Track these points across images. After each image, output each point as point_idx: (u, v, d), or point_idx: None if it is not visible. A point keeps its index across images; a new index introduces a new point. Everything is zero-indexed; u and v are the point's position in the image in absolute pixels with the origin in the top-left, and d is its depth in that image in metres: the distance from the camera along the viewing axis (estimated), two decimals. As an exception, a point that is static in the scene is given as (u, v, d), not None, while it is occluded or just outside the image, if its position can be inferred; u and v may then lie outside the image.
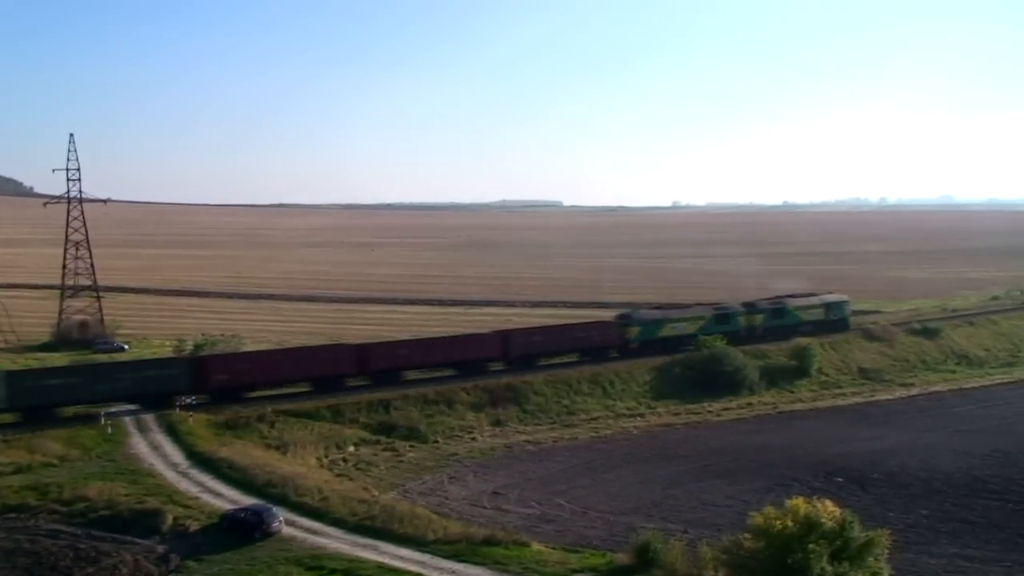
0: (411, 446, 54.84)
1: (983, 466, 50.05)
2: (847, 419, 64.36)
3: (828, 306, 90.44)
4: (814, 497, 28.96)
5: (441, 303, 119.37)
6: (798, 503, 27.80)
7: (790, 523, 26.79)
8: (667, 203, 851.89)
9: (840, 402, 70.10)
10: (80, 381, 56.38)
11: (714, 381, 69.36)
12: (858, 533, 27.62)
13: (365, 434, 55.72)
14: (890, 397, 71.89)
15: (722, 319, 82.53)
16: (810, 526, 26.83)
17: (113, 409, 55.45)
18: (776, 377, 73.18)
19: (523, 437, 58.18)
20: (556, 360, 72.52)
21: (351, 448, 53.70)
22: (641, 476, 49.02)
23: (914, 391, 73.80)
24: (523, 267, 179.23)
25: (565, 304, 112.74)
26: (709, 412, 65.62)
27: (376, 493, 43.47)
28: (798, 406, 68.61)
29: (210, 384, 59.51)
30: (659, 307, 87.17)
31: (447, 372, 67.15)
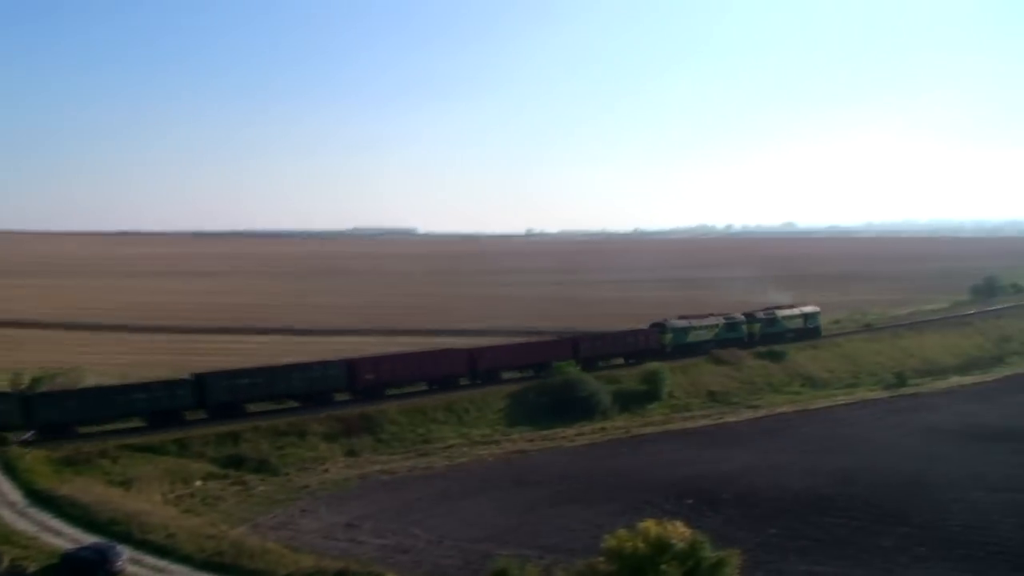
0: (262, 479, 53.59)
1: (828, 484, 51.79)
2: (697, 441, 65.73)
3: (806, 316, 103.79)
4: (665, 519, 29.36)
5: (292, 332, 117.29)
6: (649, 525, 28.16)
7: (641, 545, 27.10)
8: (521, 231, 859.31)
9: (690, 425, 71.50)
10: (263, 381, 65.26)
11: (568, 406, 70.00)
12: (709, 553, 28.13)
13: (213, 468, 54.25)
14: (738, 419, 73.74)
15: (731, 327, 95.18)
16: (662, 547, 27.21)
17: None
18: (628, 401, 74.30)
19: (377, 467, 57.57)
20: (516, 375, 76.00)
21: (198, 482, 52.17)
22: (496, 503, 49.04)
23: (761, 413, 75.89)
24: (377, 295, 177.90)
25: (421, 332, 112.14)
26: (563, 437, 66.11)
27: (225, 528, 42.20)
28: (649, 429, 69.71)
29: (361, 382, 69.45)
30: (683, 317, 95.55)
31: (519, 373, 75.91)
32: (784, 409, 77.32)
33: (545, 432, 66.75)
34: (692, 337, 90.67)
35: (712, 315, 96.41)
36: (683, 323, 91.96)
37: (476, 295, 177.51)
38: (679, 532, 28.14)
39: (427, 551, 40.55)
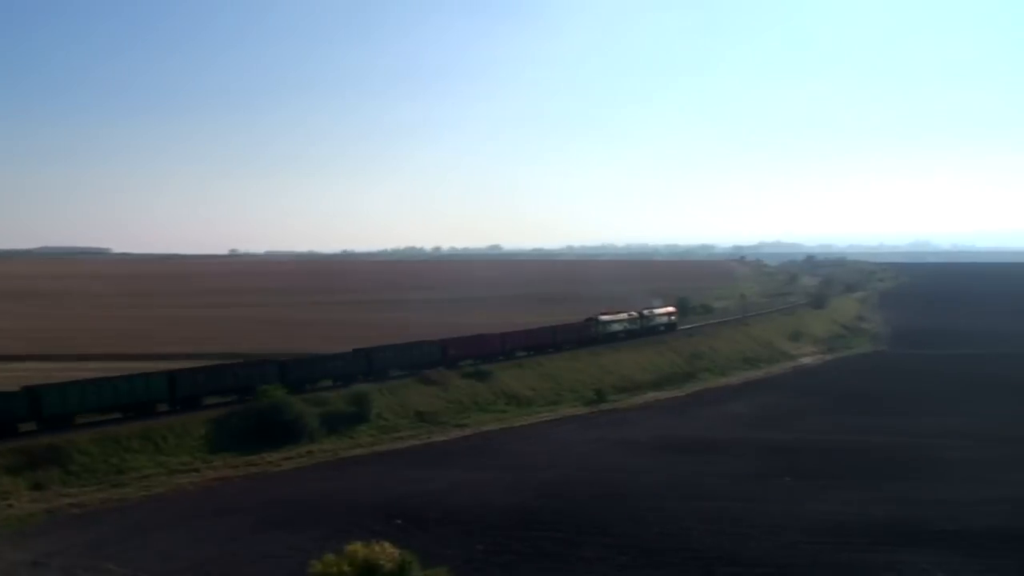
0: (-70, 520, 49.02)
1: (533, 499, 53.40)
2: (406, 462, 66.05)
3: (669, 314, 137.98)
4: (373, 540, 29.21)
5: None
6: (356, 547, 28.00)
7: (347, 568, 26.86)
8: (224, 251, 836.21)
9: (399, 445, 71.75)
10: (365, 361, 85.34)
11: (273, 431, 68.35)
12: (418, 571, 28.27)
13: None
14: (446, 438, 74.71)
15: (631, 321, 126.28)
16: (370, 569, 27.10)
17: None
18: (336, 423, 73.52)
19: (67, 500, 53.95)
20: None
21: None
22: (197, 534, 47.14)
23: (468, 431, 77.25)
24: (67, 318, 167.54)
25: (115, 356, 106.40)
26: (268, 463, 64.55)
27: None
28: (358, 451, 69.40)
29: (449, 357, 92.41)
30: (604, 314, 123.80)
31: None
32: (490, 427, 79.11)
33: (250, 458, 64.90)
34: (613, 328, 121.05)
35: (622, 312, 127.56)
36: (608, 318, 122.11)
37: (176, 317, 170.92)
38: (387, 553, 28.10)
39: (120, 587, 38.38)
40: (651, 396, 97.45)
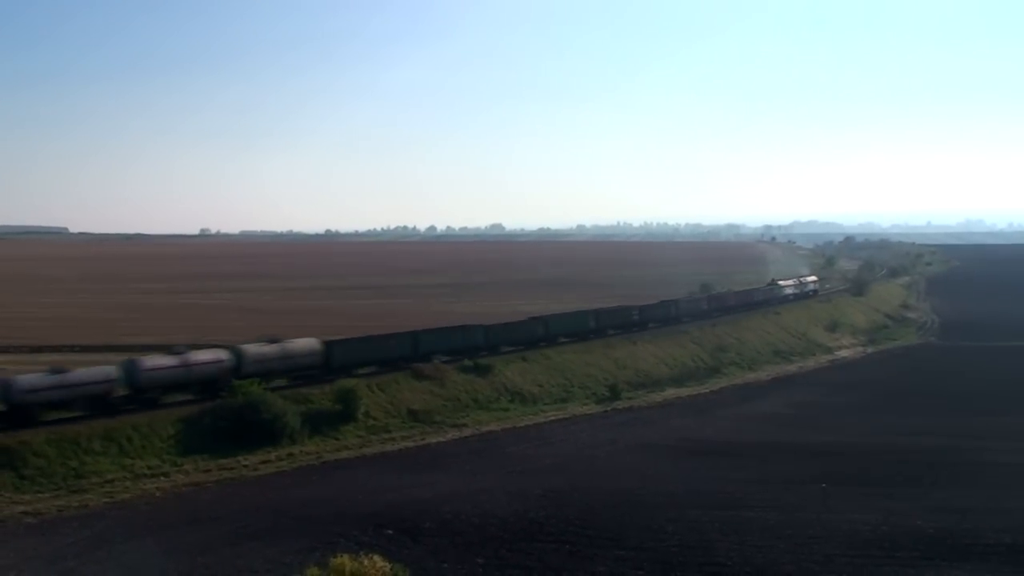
0: None
1: (538, 508, 53.41)
2: (397, 466, 66.22)
3: (814, 282, 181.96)
4: (362, 553, 29.31)
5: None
6: (343, 561, 28.12)
7: (335, 583, 26.91)
8: (195, 231, 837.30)
9: (389, 447, 71.92)
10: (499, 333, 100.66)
11: (250, 431, 68.33)
12: (410, 587, 28.30)
13: None
14: (442, 439, 74.90)
15: (796, 286, 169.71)
16: (358, 584, 27.09)
17: None
18: (320, 423, 73.63)
19: (20, 508, 54.04)
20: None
21: None
22: (166, 545, 47.29)
23: (466, 432, 77.41)
24: (19, 305, 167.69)
25: (74, 348, 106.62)
26: (245, 467, 64.70)
27: None
28: (344, 454, 69.57)
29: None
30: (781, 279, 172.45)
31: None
32: (491, 427, 79.28)
33: (224, 461, 65.02)
34: (786, 291, 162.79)
35: (790, 279, 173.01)
36: (783, 283, 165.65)
37: (141, 304, 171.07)
38: (377, 567, 28.23)
39: (81, 605, 38.56)
40: (671, 393, 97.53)
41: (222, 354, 76.74)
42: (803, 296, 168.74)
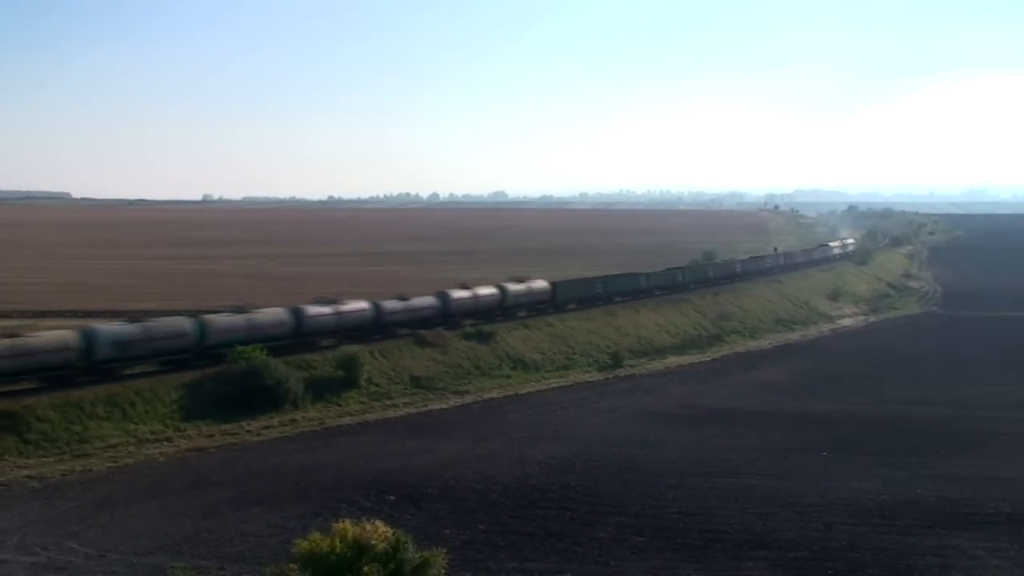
0: None
1: (540, 475, 53.64)
2: (399, 432, 66.43)
3: (855, 243, 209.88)
4: (364, 518, 29.35)
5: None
6: (346, 526, 28.05)
7: (339, 545, 26.96)
8: (197, 197, 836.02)
9: (392, 414, 72.18)
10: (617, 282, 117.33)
11: (253, 397, 68.57)
12: (412, 554, 28.34)
13: None
14: (444, 406, 75.12)
15: (841, 247, 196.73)
16: (360, 550, 27.16)
17: None
18: (323, 389, 73.89)
19: (24, 472, 54.26)
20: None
21: None
22: (169, 509, 47.53)
23: (469, 399, 77.65)
24: (22, 270, 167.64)
25: (76, 313, 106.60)
26: (248, 432, 64.99)
27: None
28: (347, 420, 69.83)
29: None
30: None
31: None
32: (493, 394, 79.46)
33: (227, 426, 65.28)
34: (835, 252, 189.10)
35: (836, 241, 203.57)
36: (832, 244, 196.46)
37: (143, 269, 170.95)
38: (379, 532, 28.14)
39: (86, 567, 38.73)
40: (672, 361, 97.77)
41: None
42: (845, 256, 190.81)
